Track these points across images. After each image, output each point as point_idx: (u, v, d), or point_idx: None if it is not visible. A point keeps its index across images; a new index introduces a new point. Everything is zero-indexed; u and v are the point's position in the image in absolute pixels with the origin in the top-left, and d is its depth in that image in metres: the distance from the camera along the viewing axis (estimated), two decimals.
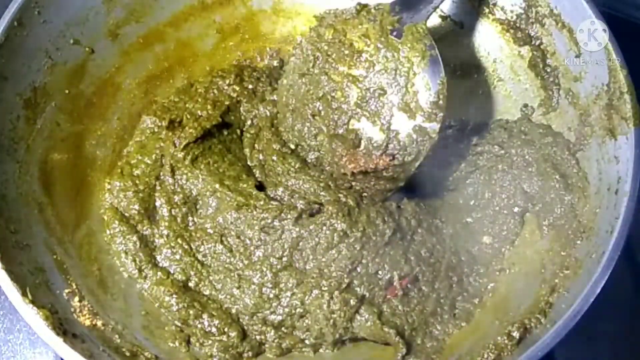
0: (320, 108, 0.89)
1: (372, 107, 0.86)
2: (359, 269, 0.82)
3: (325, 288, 0.81)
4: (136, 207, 0.90)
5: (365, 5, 0.88)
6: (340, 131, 0.87)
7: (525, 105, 0.93)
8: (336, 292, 0.81)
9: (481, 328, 0.81)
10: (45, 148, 0.86)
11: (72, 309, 0.76)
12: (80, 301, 0.77)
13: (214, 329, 0.83)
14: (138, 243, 0.88)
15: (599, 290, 0.68)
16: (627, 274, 0.98)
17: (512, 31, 0.93)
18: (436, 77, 0.82)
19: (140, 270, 0.87)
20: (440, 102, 0.82)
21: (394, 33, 0.85)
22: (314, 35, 0.90)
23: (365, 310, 0.81)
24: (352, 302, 0.81)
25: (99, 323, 0.77)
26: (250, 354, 0.82)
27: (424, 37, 0.83)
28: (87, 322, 0.76)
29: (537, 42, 0.90)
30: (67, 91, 0.90)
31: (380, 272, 0.83)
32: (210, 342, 0.82)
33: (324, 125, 0.89)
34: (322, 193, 0.86)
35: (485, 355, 0.73)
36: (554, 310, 0.73)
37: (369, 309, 0.81)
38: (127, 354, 0.75)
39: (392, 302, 0.82)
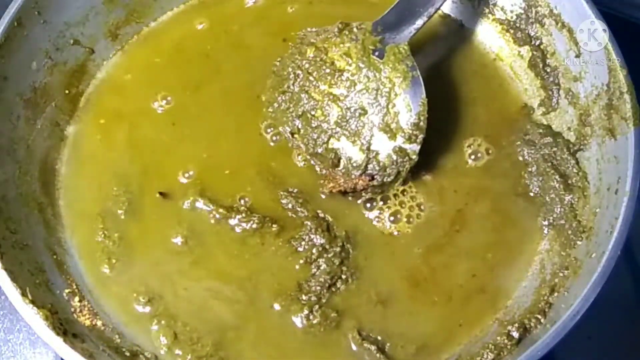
0: (300, 126, 0.88)
1: (353, 127, 0.85)
2: (338, 284, 0.81)
3: (305, 302, 0.79)
4: None
5: (348, 24, 0.87)
6: (319, 150, 0.87)
7: (525, 105, 0.93)
8: (316, 307, 0.79)
9: (481, 328, 0.81)
10: (45, 148, 0.86)
11: (72, 309, 0.76)
12: (80, 301, 0.77)
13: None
14: None
15: (599, 290, 0.67)
16: (627, 274, 0.98)
17: (512, 31, 0.93)
18: (417, 99, 0.82)
19: None
20: (421, 123, 0.82)
21: (376, 53, 0.84)
22: (295, 52, 0.89)
23: (346, 324, 0.79)
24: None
25: (99, 323, 0.77)
26: None
27: (405, 58, 0.83)
28: (87, 322, 0.76)
29: (537, 42, 0.90)
30: (67, 91, 0.90)
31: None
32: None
33: (302, 144, 0.88)
34: (300, 209, 0.85)
35: (485, 355, 0.73)
36: (554, 310, 0.73)
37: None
38: (127, 354, 0.75)
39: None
